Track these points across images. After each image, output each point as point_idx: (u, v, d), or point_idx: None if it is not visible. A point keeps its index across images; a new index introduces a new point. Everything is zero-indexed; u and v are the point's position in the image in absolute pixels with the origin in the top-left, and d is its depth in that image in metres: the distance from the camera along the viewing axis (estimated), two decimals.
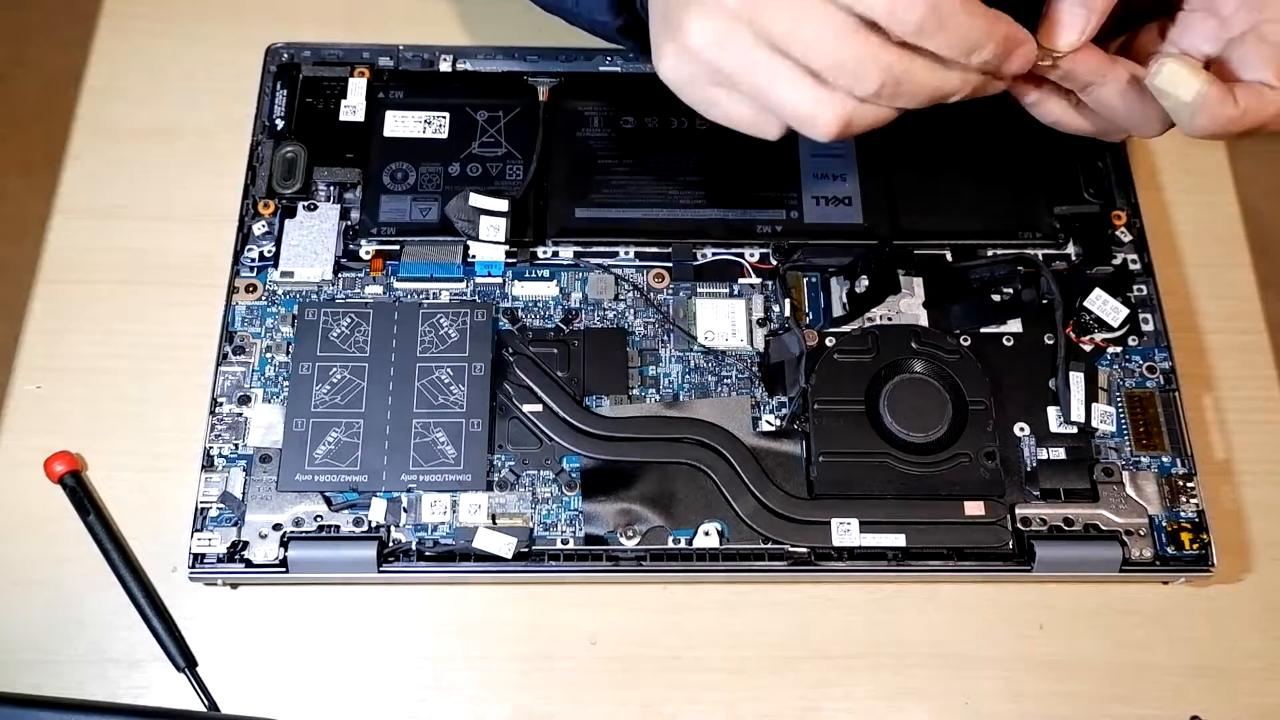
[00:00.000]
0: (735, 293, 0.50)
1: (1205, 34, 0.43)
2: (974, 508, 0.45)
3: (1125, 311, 0.49)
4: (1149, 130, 0.43)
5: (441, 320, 0.48)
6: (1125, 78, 0.42)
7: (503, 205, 0.49)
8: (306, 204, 0.51)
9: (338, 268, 0.50)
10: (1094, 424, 0.47)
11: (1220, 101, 0.40)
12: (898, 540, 0.45)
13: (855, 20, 0.37)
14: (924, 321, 0.49)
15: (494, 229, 0.49)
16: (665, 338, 0.49)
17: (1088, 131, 0.44)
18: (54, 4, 1.33)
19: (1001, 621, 0.46)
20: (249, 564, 0.44)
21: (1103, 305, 0.49)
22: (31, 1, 1.34)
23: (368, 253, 0.50)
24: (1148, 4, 0.44)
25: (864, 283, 0.49)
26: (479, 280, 0.50)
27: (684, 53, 0.39)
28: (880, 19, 0.37)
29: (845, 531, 0.45)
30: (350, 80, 0.53)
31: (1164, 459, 0.47)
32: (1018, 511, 0.46)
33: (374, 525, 0.45)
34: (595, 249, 0.50)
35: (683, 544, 0.45)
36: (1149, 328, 0.49)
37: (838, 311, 0.49)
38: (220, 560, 0.44)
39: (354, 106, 0.53)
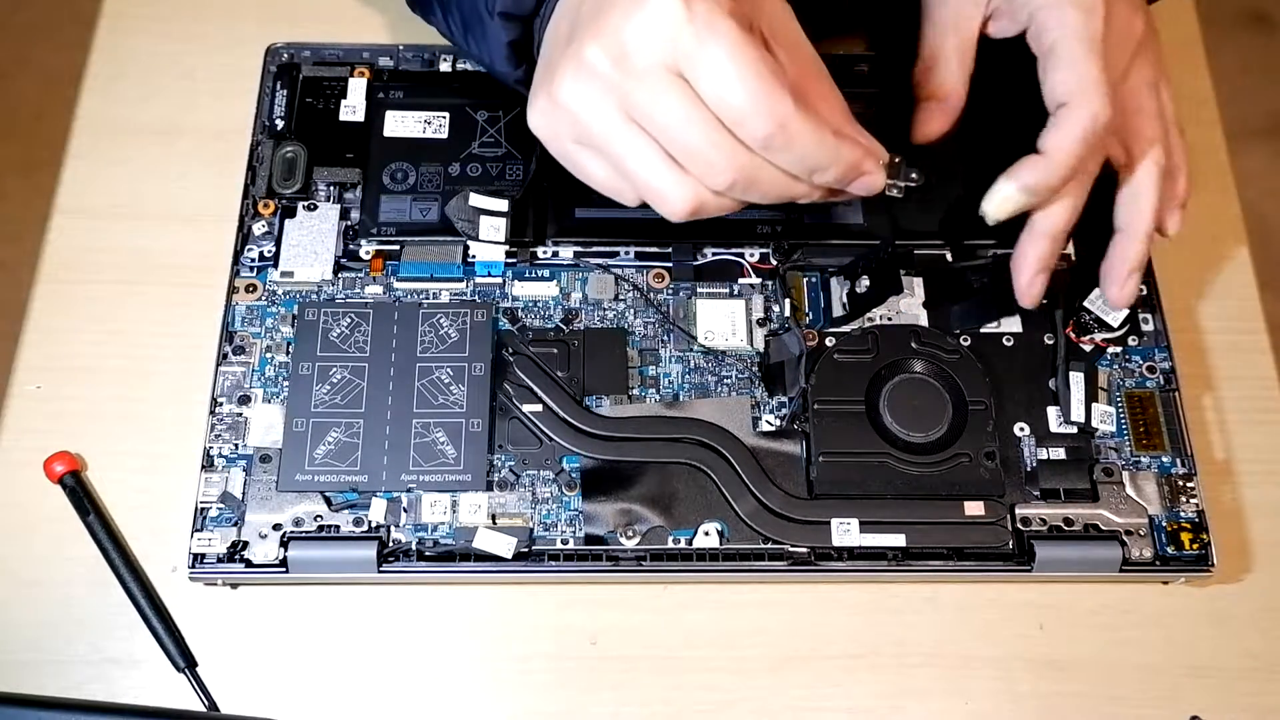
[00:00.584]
0: (735, 293, 0.50)
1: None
2: (974, 508, 0.45)
3: (1125, 311, 0.49)
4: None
5: (441, 320, 0.48)
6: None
7: (503, 205, 0.49)
8: (306, 204, 0.51)
9: (338, 268, 0.50)
10: (1094, 424, 0.47)
11: (1033, 168, 0.43)
12: (898, 540, 0.45)
13: (716, 116, 0.38)
14: (924, 321, 0.49)
15: (494, 229, 0.49)
16: (665, 338, 0.49)
17: None
18: (54, 4, 1.33)
19: (1001, 621, 0.46)
20: (249, 564, 0.44)
21: (1103, 305, 0.49)
22: (31, 1, 1.34)
23: (368, 253, 0.50)
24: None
25: (864, 283, 0.49)
26: (479, 280, 0.50)
27: (553, 107, 0.39)
28: (732, 125, 0.38)
29: (845, 531, 0.45)
30: (350, 80, 0.53)
31: (1164, 459, 0.47)
32: (1018, 511, 0.46)
33: (374, 525, 0.45)
34: (595, 249, 0.50)
35: (683, 544, 0.45)
36: (1149, 328, 0.49)
37: (838, 311, 0.49)
38: (220, 560, 0.44)
39: (354, 106, 0.53)
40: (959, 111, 0.47)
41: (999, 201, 0.44)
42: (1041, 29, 0.44)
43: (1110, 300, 0.47)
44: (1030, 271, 0.46)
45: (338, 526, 0.45)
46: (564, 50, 0.39)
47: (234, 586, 0.46)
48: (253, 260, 0.50)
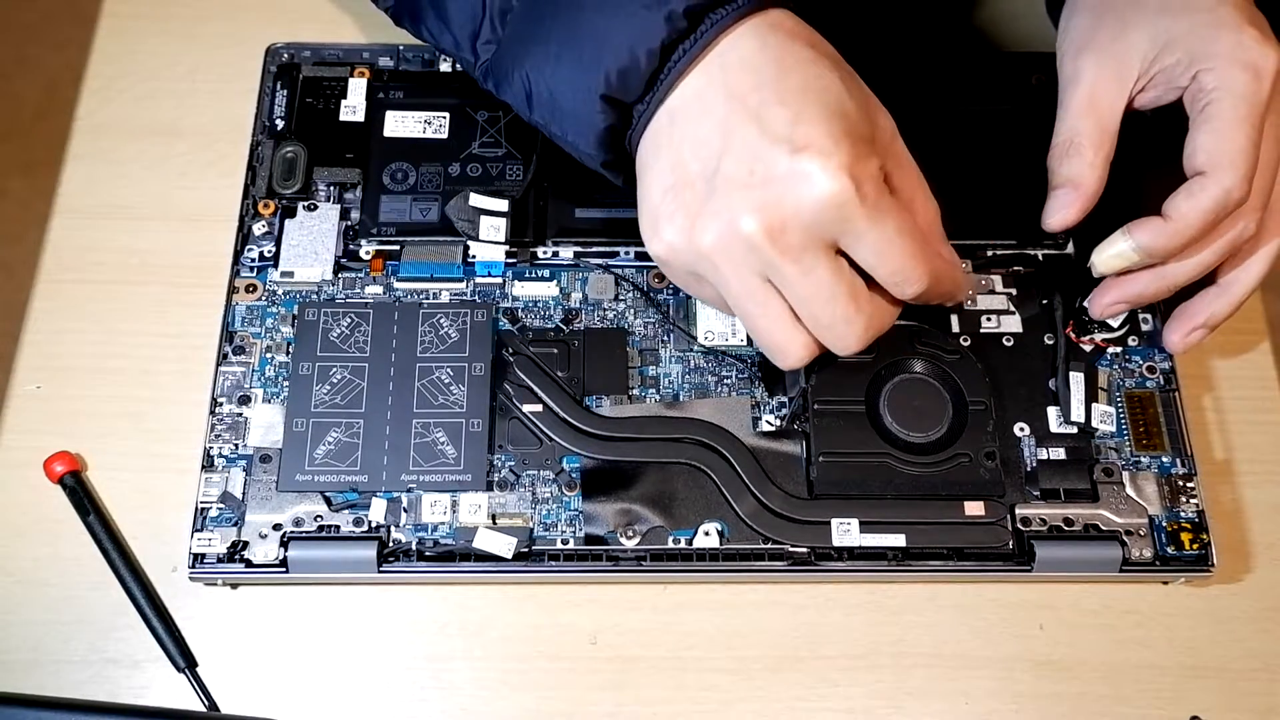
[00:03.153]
0: None
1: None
2: (974, 508, 0.45)
3: (1125, 312, 0.49)
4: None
5: (441, 320, 0.48)
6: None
7: (503, 205, 0.49)
8: (306, 204, 0.51)
9: (338, 268, 0.50)
10: (1094, 424, 0.47)
11: (1153, 230, 0.43)
12: (898, 540, 0.45)
13: (853, 289, 0.39)
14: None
15: (494, 229, 0.49)
16: (665, 338, 0.49)
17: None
18: (54, 4, 1.33)
19: (1001, 621, 0.46)
20: (249, 564, 0.44)
21: None
22: (31, 2, 1.34)
23: (368, 253, 0.50)
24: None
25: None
26: (479, 280, 0.50)
27: (688, 249, 0.39)
28: (888, 286, 0.39)
29: (845, 531, 0.45)
30: (350, 80, 0.53)
31: (1164, 459, 0.47)
32: (1018, 511, 0.46)
33: (374, 525, 0.45)
34: (595, 249, 0.50)
35: (683, 544, 0.45)
36: (1149, 328, 0.49)
37: None
38: (220, 560, 0.44)
39: (354, 106, 0.53)
40: (1094, 200, 0.44)
41: (1110, 256, 0.44)
42: (1200, 89, 0.42)
43: (1167, 342, 0.48)
44: (1116, 297, 0.46)
45: (338, 526, 0.45)
46: (702, 197, 0.38)
47: (234, 586, 0.46)
48: (253, 260, 0.50)
